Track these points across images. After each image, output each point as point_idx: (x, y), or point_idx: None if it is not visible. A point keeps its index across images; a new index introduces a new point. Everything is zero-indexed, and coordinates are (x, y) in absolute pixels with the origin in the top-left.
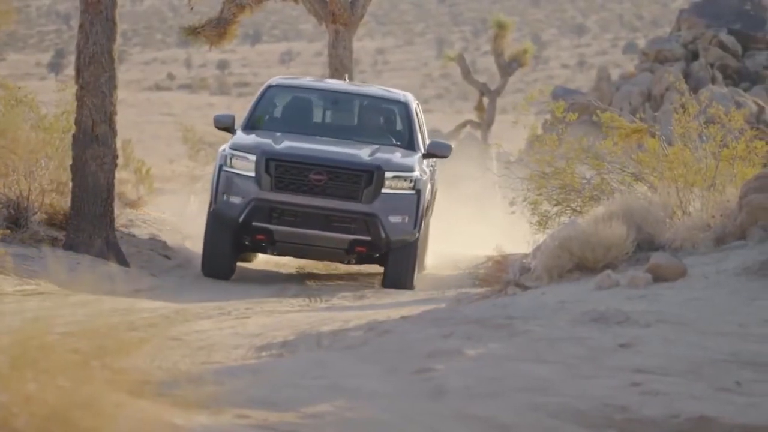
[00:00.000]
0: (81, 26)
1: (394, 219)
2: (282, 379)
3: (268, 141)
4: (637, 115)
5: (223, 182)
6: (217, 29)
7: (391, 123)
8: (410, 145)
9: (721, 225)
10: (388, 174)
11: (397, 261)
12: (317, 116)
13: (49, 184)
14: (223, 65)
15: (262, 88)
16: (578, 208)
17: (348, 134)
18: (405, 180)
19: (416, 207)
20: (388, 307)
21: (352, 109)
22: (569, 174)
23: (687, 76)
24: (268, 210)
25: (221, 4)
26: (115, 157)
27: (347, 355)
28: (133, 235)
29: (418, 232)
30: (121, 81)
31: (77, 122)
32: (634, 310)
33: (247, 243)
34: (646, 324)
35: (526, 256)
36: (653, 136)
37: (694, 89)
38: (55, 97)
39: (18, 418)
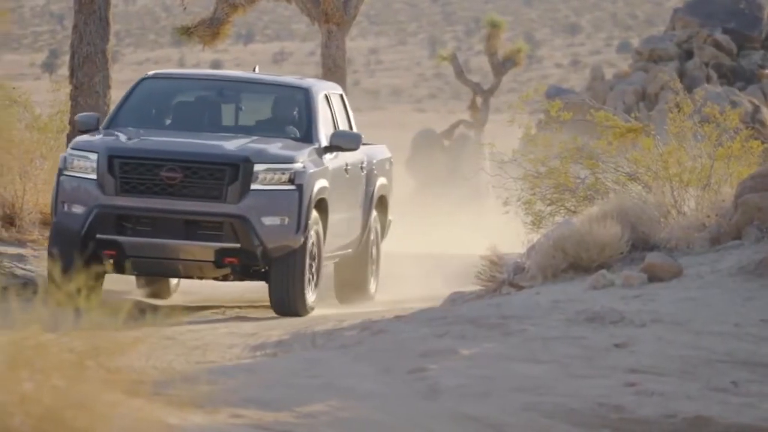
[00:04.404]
0: (75, 26)
1: (270, 221)
2: (276, 378)
3: (116, 137)
4: (632, 115)
5: (63, 189)
6: (210, 29)
7: (288, 113)
8: (307, 136)
9: (717, 225)
10: (258, 166)
11: (280, 274)
12: (198, 110)
13: (43, 183)
14: (216, 65)
15: (135, 82)
16: (572, 208)
17: (235, 128)
18: (281, 173)
19: (298, 206)
20: (381, 306)
21: (241, 100)
22: (563, 173)
23: (681, 75)
24: (115, 218)
25: (214, 4)
26: None
27: (341, 355)
28: None
29: (303, 236)
30: (114, 81)
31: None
32: (629, 310)
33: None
34: (641, 324)
35: (520, 255)
36: (648, 135)
37: (689, 88)
38: (50, 97)
39: (13, 418)
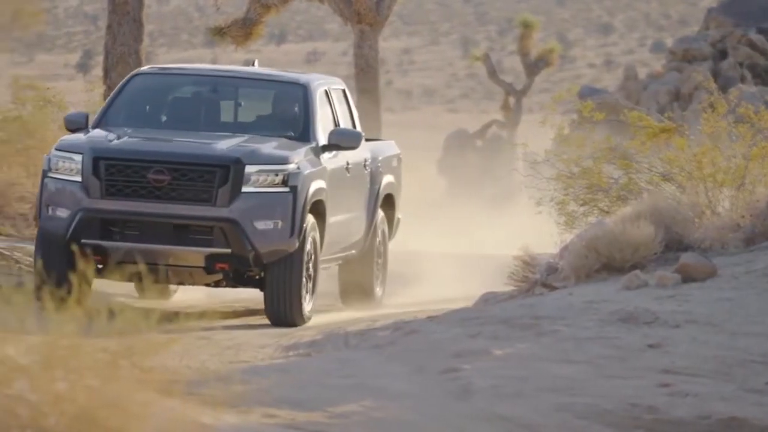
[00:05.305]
0: (108, 27)
1: (262, 225)
2: (309, 378)
3: (103, 137)
4: (665, 115)
5: (47, 191)
6: (242, 29)
7: (285, 110)
8: (304, 135)
9: (751, 225)
10: (250, 168)
11: (275, 281)
12: (192, 107)
13: None
14: (248, 65)
15: (125, 78)
16: (606, 208)
17: (230, 126)
18: (274, 175)
19: (292, 208)
20: (414, 306)
21: (237, 96)
22: (596, 174)
23: (715, 75)
24: (100, 223)
25: (247, 4)
26: None
27: (374, 355)
28: None
29: (298, 240)
30: None
31: None
32: (663, 311)
33: (99, 266)
34: (675, 324)
35: (553, 256)
36: (682, 135)
37: (723, 88)
38: (84, 97)
39: (47, 417)
